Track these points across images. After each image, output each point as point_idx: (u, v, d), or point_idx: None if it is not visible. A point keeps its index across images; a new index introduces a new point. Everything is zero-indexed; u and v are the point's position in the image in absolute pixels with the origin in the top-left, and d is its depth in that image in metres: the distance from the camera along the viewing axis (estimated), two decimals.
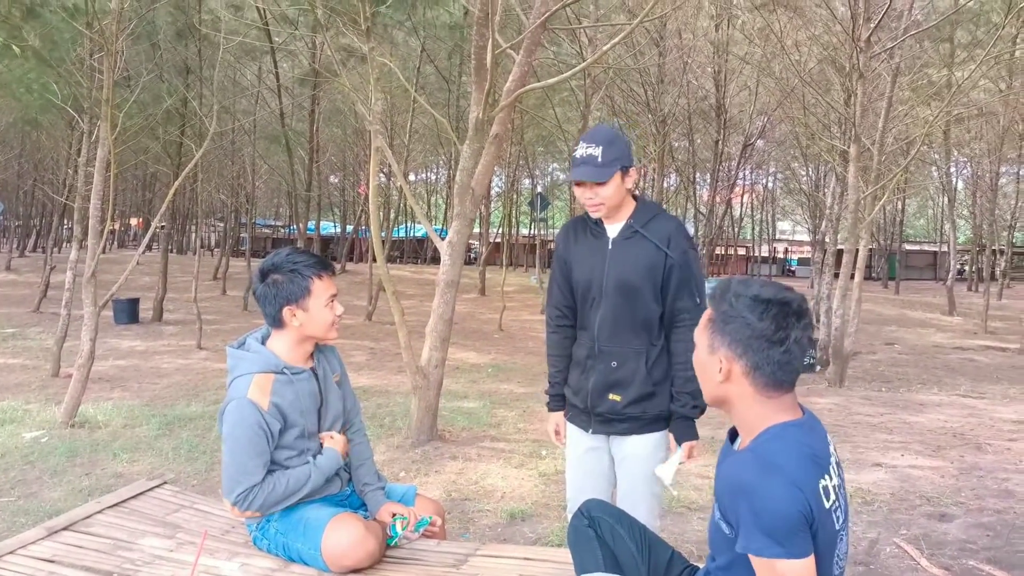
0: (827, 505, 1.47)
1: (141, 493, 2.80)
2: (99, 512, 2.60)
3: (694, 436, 2.41)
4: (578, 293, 2.48)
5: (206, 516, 2.66)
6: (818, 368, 10.36)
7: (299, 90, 16.32)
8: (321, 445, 2.40)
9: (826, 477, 1.49)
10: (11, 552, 2.28)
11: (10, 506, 4.09)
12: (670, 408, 2.40)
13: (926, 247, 40.08)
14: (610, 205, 2.36)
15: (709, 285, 1.65)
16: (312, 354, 2.41)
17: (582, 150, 2.33)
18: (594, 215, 2.40)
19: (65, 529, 2.46)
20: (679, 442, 2.39)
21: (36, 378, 7.78)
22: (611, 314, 2.39)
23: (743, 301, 1.52)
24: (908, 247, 36.81)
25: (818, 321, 13.73)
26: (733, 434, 1.67)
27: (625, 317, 2.39)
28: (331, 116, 18.42)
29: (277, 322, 2.31)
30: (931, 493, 4.27)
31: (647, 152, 15.37)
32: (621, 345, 2.40)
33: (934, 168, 21.17)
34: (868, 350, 12.53)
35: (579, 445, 2.53)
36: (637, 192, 2.51)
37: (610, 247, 2.41)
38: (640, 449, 2.42)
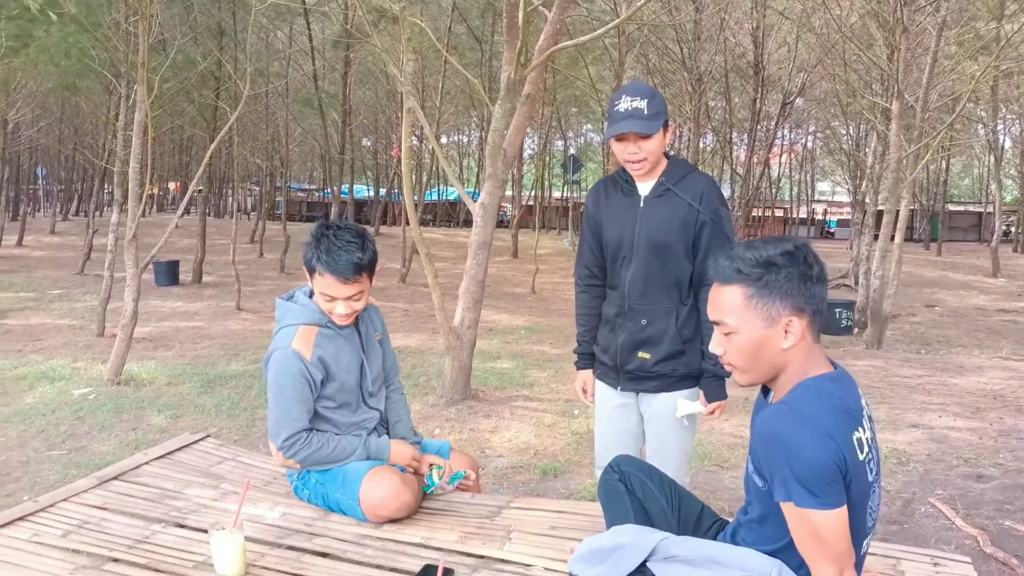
0: (861, 457, 1.47)
1: (186, 445, 2.89)
2: (146, 463, 2.70)
3: (723, 396, 2.41)
4: (608, 252, 2.47)
5: (248, 468, 2.74)
6: (855, 330, 10.23)
7: (331, 52, 16.30)
8: (362, 400, 2.45)
9: (859, 429, 1.49)
10: (64, 499, 2.38)
11: (62, 458, 4.26)
12: (701, 366, 2.40)
13: (970, 208, 38.99)
14: (652, 160, 2.33)
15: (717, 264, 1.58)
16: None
17: (626, 103, 2.27)
18: (637, 171, 2.36)
19: (115, 479, 2.56)
20: (709, 400, 2.40)
21: (82, 338, 8.01)
22: (642, 272, 2.39)
23: (781, 259, 1.50)
24: (952, 208, 35.85)
25: (856, 283, 13.52)
26: (766, 389, 1.67)
27: (656, 275, 2.38)
28: (363, 78, 18.39)
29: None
30: (968, 454, 4.23)
31: (683, 111, 15.12)
32: (651, 303, 2.39)
33: (980, 125, 20.48)
34: (908, 312, 12.32)
35: (608, 402, 2.55)
36: (670, 152, 2.48)
37: (641, 205, 2.39)
38: (670, 406, 2.43)
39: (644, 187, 2.41)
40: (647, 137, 2.29)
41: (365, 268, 2.26)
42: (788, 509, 1.47)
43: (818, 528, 1.43)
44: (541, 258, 14.31)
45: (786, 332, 1.51)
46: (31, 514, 2.27)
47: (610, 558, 1.71)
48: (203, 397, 5.53)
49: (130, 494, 2.45)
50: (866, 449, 1.50)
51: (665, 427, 2.45)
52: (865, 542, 1.57)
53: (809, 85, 17.02)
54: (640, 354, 2.41)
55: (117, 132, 9.34)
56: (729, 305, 1.54)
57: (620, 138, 2.32)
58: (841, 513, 1.44)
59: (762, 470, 1.53)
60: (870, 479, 1.52)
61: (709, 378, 2.40)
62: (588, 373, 2.63)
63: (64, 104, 18.30)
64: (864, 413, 1.55)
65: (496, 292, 13.19)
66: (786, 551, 1.56)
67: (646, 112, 2.26)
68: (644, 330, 2.40)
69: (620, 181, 2.46)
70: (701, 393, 2.43)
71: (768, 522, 1.60)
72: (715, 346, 1.60)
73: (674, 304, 2.39)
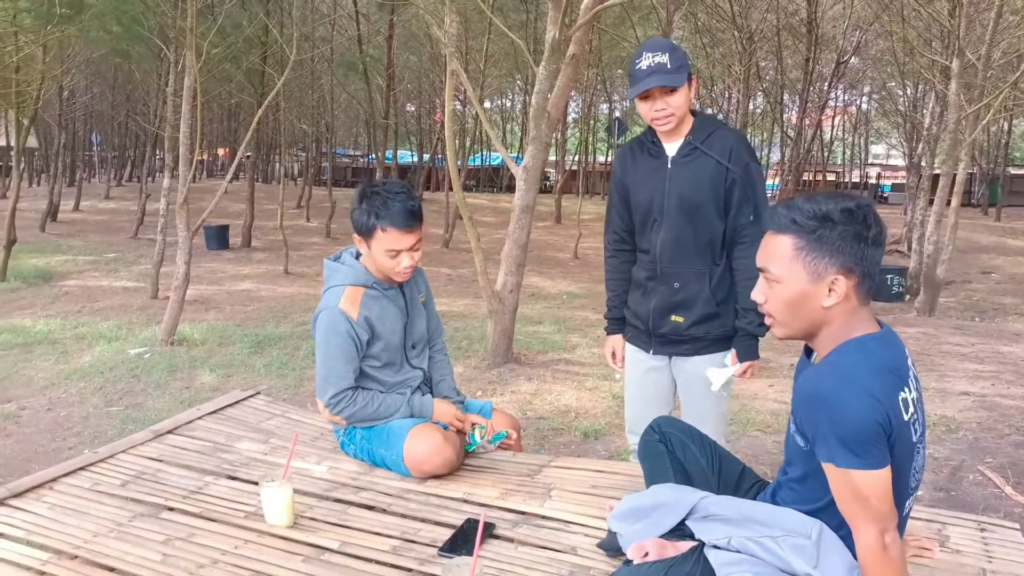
0: (906, 418, 1.45)
1: (237, 402, 2.98)
2: (199, 418, 2.79)
3: (755, 356, 2.39)
4: (638, 215, 2.44)
5: (297, 424, 2.82)
6: (907, 297, 9.98)
7: (376, 15, 16.25)
8: (406, 359, 2.49)
9: (905, 390, 1.47)
10: (123, 451, 2.48)
11: (120, 414, 4.43)
12: (735, 326, 2.37)
13: None
14: (679, 116, 2.28)
15: (771, 212, 1.56)
16: None
17: (648, 60, 2.22)
18: (664, 127, 2.30)
19: (169, 432, 2.66)
20: (741, 359, 2.38)
21: (137, 300, 8.26)
22: (673, 235, 2.35)
23: (838, 215, 1.46)
24: (1013, 171, 34.43)
25: (909, 249, 13.15)
26: (809, 349, 1.65)
27: (687, 237, 2.34)
28: (407, 42, 18.31)
29: (360, 243, 2.38)
30: (1021, 422, 4.13)
31: (732, 72, 14.76)
32: (684, 266, 2.36)
33: None
34: (962, 279, 11.97)
35: (639, 365, 2.54)
36: (697, 108, 2.43)
37: (670, 166, 2.35)
38: (704, 369, 2.41)
39: (671, 147, 2.36)
40: (673, 91, 2.24)
41: (419, 215, 2.32)
42: (830, 469, 1.46)
43: (860, 488, 1.42)
44: (584, 223, 14.21)
45: (830, 290, 1.48)
46: (91, 464, 2.37)
47: (649, 516, 1.72)
48: (253, 357, 5.68)
49: (184, 447, 2.55)
50: (911, 409, 1.47)
51: (701, 393, 2.44)
52: (907, 503, 1.56)
53: (864, 43, 16.44)
54: (673, 318, 2.39)
55: (167, 98, 9.49)
56: (777, 254, 1.51)
57: (645, 96, 2.27)
58: (885, 474, 1.42)
59: (804, 430, 1.52)
60: (914, 439, 1.49)
61: (743, 336, 2.37)
62: (618, 338, 2.62)
63: (117, 71, 18.63)
64: (911, 374, 1.52)
65: (539, 257, 13.18)
66: (826, 511, 1.56)
67: (669, 66, 2.21)
68: (677, 293, 2.38)
69: (647, 143, 2.41)
70: (733, 352, 2.40)
71: (808, 482, 1.59)
72: (757, 293, 1.58)
73: (707, 266, 2.35)
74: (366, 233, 2.31)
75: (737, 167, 2.29)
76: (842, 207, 1.47)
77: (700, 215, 2.32)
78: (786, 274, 1.51)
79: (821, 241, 1.47)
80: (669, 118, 2.28)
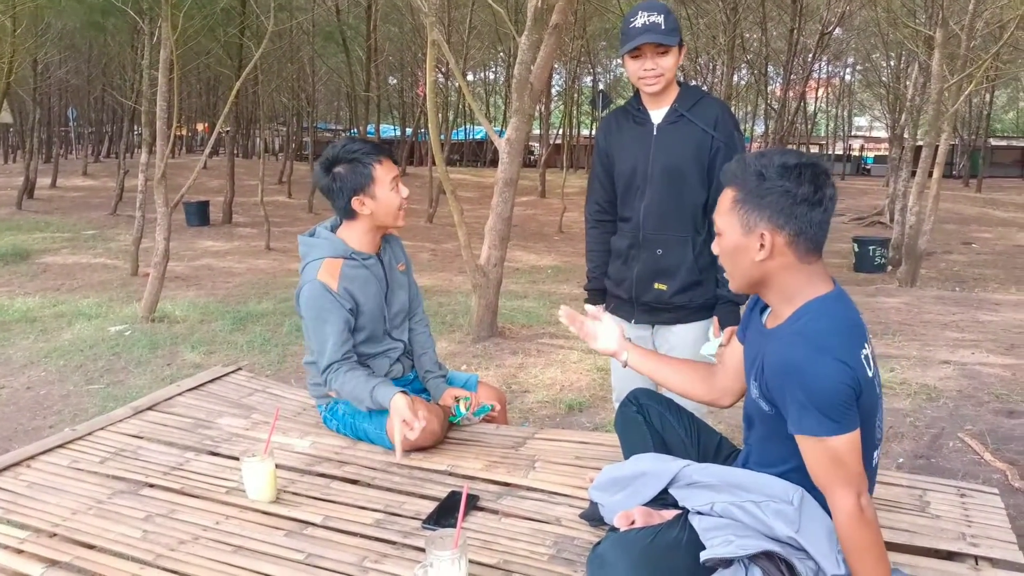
0: (870, 374, 1.48)
1: (218, 378, 2.96)
2: (180, 394, 2.77)
3: (737, 322, 2.39)
4: (621, 182, 2.43)
5: (278, 399, 2.80)
6: (889, 268, 10.07)
7: None
8: (386, 331, 2.45)
9: (866, 346, 1.50)
10: (102, 428, 2.46)
11: (100, 392, 4.39)
12: (716, 293, 2.38)
13: (1015, 142, 37.65)
14: (668, 78, 2.27)
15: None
16: (379, 244, 2.45)
17: (642, 19, 2.21)
18: (650, 88, 2.30)
19: (149, 409, 2.63)
20: (723, 326, 2.38)
21: (117, 276, 8.17)
22: (656, 201, 2.35)
23: (774, 171, 1.48)
24: (995, 142, 34.62)
25: (892, 220, 13.22)
26: (756, 303, 1.68)
27: (671, 204, 2.34)
28: (388, 14, 18.04)
29: (348, 213, 2.34)
30: (1000, 390, 4.17)
31: (717, 43, 14.67)
32: (667, 233, 2.36)
33: None
34: (944, 250, 12.08)
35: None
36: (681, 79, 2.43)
37: (655, 133, 2.35)
38: (687, 337, 2.42)
39: (657, 115, 2.35)
40: (665, 53, 2.24)
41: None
42: (805, 439, 1.47)
43: (838, 453, 1.44)
44: (568, 196, 14.18)
45: (761, 245, 1.50)
46: (70, 442, 2.34)
47: (631, 485, 1.73)
48: (235, 334, 5.64)
49: (164, 423, 2.52)
50: (871, 364, 1.51)
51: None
52: (875, 454, 1.60)
53: (849, 14, 16.37)
54: (656, 285, 2.39)
55: (143, 71, 9.32)
56: (721, 206, 1.56)
57: (636, 55, 2.26)
58: (856, 435, 1.45)
59: (772, 397, 1.53)
60: (877, 392, 1.53)
61: (724, 303, 2.38)
62: (598, 309, 2.61)
63: (91, 44, 18.25)
64: (866, 328, 1.55)
65: (523, 231, 13.15)
66: (791, 474, 1.58)
67: (663, 26, 2.21)
68: (660, 260, 2.37)
69: (632, 111, 2.41)
70: (715, 321, 2.41)
71: (769, 444, 1.63)
72: (714, 245, 1.61)
73: (689, 233, 2.35)
74: (366, 183, 2.28)
75: (722, 135, 2.29)
76: (780, 163, 1.48)
77: (684, 182, 2.32)
78: (725, 226, 1.55)
79: (754, 195, 1.49)
80: (658, 79, 2.27)
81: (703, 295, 2.38)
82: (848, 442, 1.44)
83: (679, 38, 2.26)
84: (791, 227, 1.48)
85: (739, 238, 1.52)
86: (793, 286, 1.53)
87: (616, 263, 2.49)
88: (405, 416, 2.15)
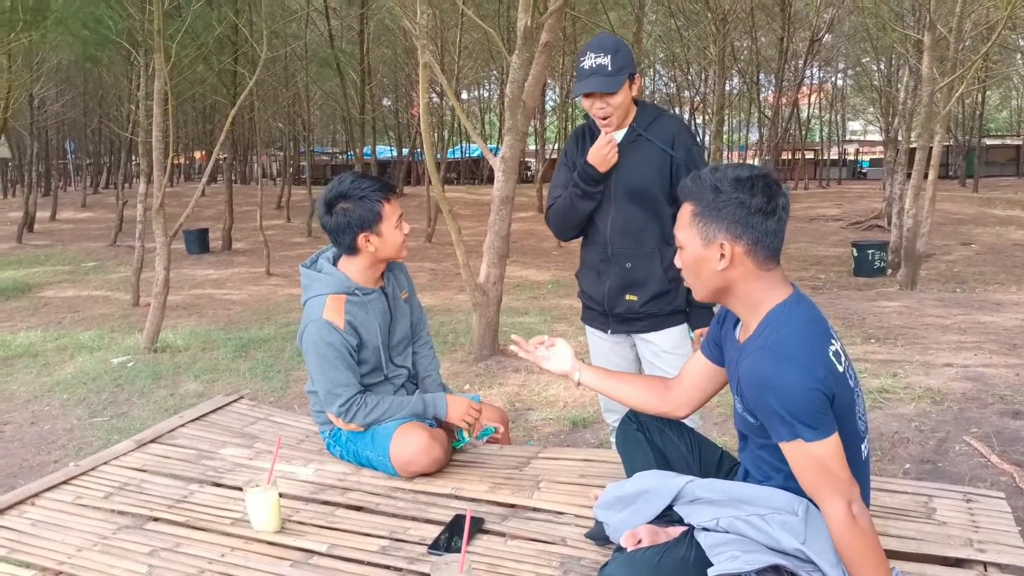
0: (840, 369, 1.52)
1: (220, 407, 2.95)
2: (182, 425, 2.76)
3: (708, 323, 2.43)
4: None
5: (281, 427, 2.80)
6: (889, 271, 10.06)
7: (347, 10, 16.10)
8: (389, 359, 2.45)
9: (832, 342, 1.54)
10: (105, 463, 2.45)
11: (104, 424, 4.39)
12: (688, 299, 2.45)
13: (1008, 141, 37.75)
14: (619, 115, 2.37)
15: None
16: (382, 275, 2.45)
17: (590, 60, 2.30)
18: (604, 127, 2.40)
19: (152, 441, 2.63)
20: (693, 328, 2.48)
21: (118, 308, 8.18)
22: (622, 218, 2.44)
23: (728, 184, 1.54)
24: (989, 142, 34.70)
25: (889, 223, 13.24)
26: (725, 318, 1.74)
27: (636, 220, 2.43)
28: (380, 36, 18.18)
29: (352, 249, 2.34)
30: (1004, 391, 4.16)
31: (707, 54, 14.76)
32: (635, 247, 2.45)
33: (1019, 55, 19.74)
34: (943, 251, 12.09)
35: (601, 345, 2.63)
36: (641, 99, 2.52)
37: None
38: (664, 343, 2.50)
39: (617, 135, 2.44)
40: (612, 93, 2.32)
41: None
42: (792, 448, 1.50)
43: (822, 459, 1.47)
44: None
45: (721, 255, 1.55)
46: (74, 478, 2.34)
47: (636, 503, 1.72)
48: (237, 361, 5.63)
49: (167, 456, 2.52)
50: (842, 359, 1.54)
51: (664, 367, 2.49)
52: (863, 447, 1.62)
53: (838, 20, 16.49)
54: (627, 297, 2.48)
55: (139, 102, 9.37)
56: (680, 220, 1.62)
57: (587, 94, 2.35)
58: (837, 439, 1.48)
59: (754, 412, 1.57)
60: (852, 385, 1.56)
61: (696, 307, 2.46)
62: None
63: (87, 77, 18.40)
64: (830, 324, 1.59)
65: (522, 247, 13.18)
66: (792, 482, 1.59)
67: (609, 68, 2.29)
68: (629, 274, 2.46)
69: (594, 130, 2.49)
70: (697, 332, 2.49)
71: (764, 454, 1.65)
72: (677, 258, 1.67)
73: (657, 246, 2.44)
74: (374, 221, 2.29)
75: (680, 152, 2.39)
76: (734, 176, 1.54)
77: (647, 199, 2.42)
78: (685, 239, 1.60)
79: (711, 208, 1.55)
80: (608, 118, 2.37)
81: (672, 302, 2.46)
82: (830, 447, 1.47)
83: (629, 72, 2.33)
84: (748, 237, 1.53)
85: (700, 250, 1.58)
86: (755, 293, 1.58)
87: (590, 276, 2.58)
88: (470, 406, 2.39)
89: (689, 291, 2.36)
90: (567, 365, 2.02)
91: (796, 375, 1.46)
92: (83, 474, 2.37)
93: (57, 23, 8.02)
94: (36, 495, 2.23)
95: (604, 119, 2.37)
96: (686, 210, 1.60)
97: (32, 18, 7.70)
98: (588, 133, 2.54)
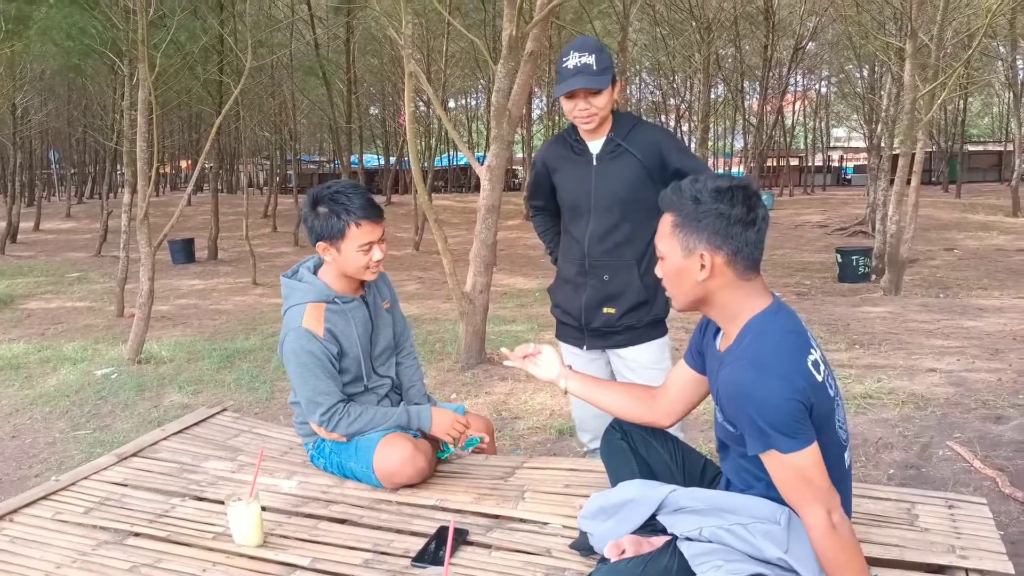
0: (819, 379, 1.52)
1: (203, 420, 2.93)
2: (164, 439, 2.74)
3: None
4: (566, 207, 2.51)
5: (264, 439, 2.77)
6: (873, 277, 10.14)
7: (333, 19, 16.11)
8: (372, 369, 2.44)
9: (811, 351, 1.54)
10: (86, 477, 2.42)
11: (87, 438, 4.34)
12: (667, 308, 2.44)
13: (990, 147, 38.16)
14: (602, 116, 2.34)
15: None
16: (362, 283, 2.43)
17: (575, 60, 2.27)
18: (586, 127, 2.37)
19: (134, 455, 2.60)
20: None
21: (102, 319, 8.11)
22: (601, 229, 2.41)
23: (708, 195, 1.54)
24: (971, 148, 35.08)
25: (873, 229, 13.35)
26: (707, 328, 1.74)
27: (616, 231, 2.40)
28: (366, 45, 18.20)
29: (318, 251, 2.34)
30: (987, 396, 4.19)
31: (692, 63, 14.86)
32: (613, 258, 2.42)
33: (999, 62, 19.98)
34: (926, 256, 12.19)
35: (576, 362, 2.55)
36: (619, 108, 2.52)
37: (595, 163, 2.41)
38: (642, 358, 2.46)
39: (594, 146, 2.42)
40: (597, 93, 2.30)
41: (379, 205, 2.34)
42: (772, 459, 1.50)
43: (802, 469, 1.47)
44: None
45: (701, 265, 1.56)
46: (53, 493, 2.31)
47: (619, 513, 1.72)
48: (222, 372, 5.60)
49: (149, 469, 2.49)
50: (822, 368, 1.54)
51: (642, 382, 2.45)
52: (846, 456, 1.63)
53: (821, 28, 16.64)
54: (605, 310, 2.44)
55: (123, 112, 9.33)
56: (661, 231, 1.63)
57: (570, 95, 2.32)
58: (815, 448, 1.48)
59: (734, 422, 1.58)
60: (832, 394, 1.56)
61: None
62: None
63: (71, 86, 18.29)
64: (809, 333, 1.59)
65: (509, 256, 13.18)
66: (774, 491, 1.59)
67: (595, 67, 2.27)
68: (607, 286, 2.42)
69: (570, 140, 2.47)
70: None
71: (745, 463, 1.65)
72: (657, 268, 1.67)
73: (636, 256, 2.41)
74: (335, 236, 2.25)
75: (673, 157, 2.37)
76: (714, 187, 1.55)
77: (627, 210, 2.39)
78: (666, 249, 1.61)
79: (691, 218, 1.55)
80: (591, 118, 2.34)
81: (651, 313, 2.43)
82: (809, 456, 1.47)
83: (612, 75, 2.32)
84: (728, 247, 1.54)
85: (680, 260, 1.58)
86: (735, 303, 1.58)
87: (565, 290, 2.54)
88: (455, 419, 2.37)
89: (668, 301, 2.39)
90: (554, 372, 2.03)
91: (774, 385, 1.46)
92: (63, 489, 2.34)
93: (40, 33, 7.97)
94: (15, 511, 2.20)
95: (586, 119, 2.34)
96: (666, 220, 1.60)
97: (15, 28, 7.65)
98: (559, 144, 2.51)
